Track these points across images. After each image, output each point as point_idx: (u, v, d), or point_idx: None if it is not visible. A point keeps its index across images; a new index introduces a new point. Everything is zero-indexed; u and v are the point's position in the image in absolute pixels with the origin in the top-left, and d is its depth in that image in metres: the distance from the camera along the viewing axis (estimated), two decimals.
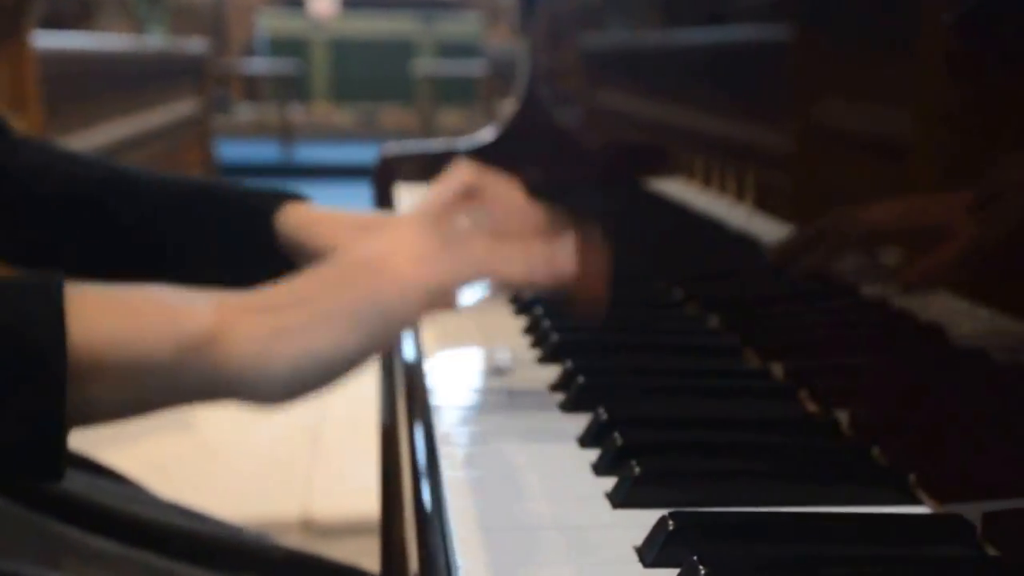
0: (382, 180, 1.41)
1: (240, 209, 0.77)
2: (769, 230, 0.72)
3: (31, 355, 0.45)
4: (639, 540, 0.40)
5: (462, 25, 8.84)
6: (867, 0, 0.60)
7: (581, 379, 0.57)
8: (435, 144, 1.52)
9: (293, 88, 7.92)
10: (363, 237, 0.68)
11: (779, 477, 0.46)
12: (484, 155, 1.46)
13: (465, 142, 1.52)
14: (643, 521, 0.41)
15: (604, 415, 0.51)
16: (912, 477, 0.46)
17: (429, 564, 0.42)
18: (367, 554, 2.22)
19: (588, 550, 0.40)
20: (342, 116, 8.63)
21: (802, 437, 0.52)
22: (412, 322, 0.53)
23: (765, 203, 0.72)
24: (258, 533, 0.84)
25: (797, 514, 0.42)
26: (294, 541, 2.10)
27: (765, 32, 0.74)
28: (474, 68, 7.73)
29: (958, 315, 0.50)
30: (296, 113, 8.01)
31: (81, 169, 0.81)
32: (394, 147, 1.47)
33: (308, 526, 2.14)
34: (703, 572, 0.36)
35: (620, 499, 0.43)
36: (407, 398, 0.63)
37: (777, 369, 0.62)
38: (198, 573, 0.72)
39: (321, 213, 0.76)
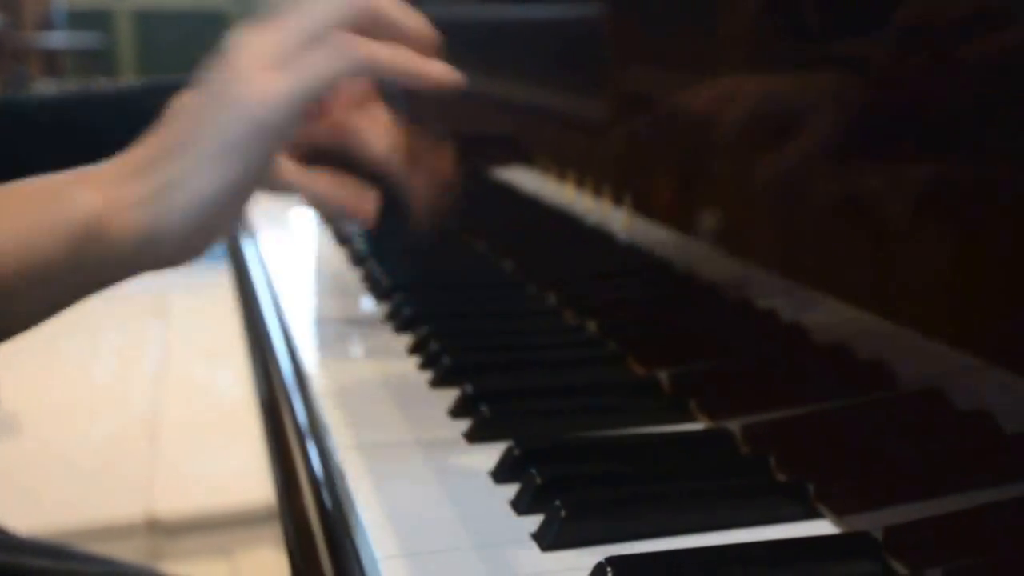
0: None
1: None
2: (618, 219, 0.75)
3: None
4: None
5: None
6: None
7: (486, 408, 0.57)
8: None
9: (97, 63, 7.56)
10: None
11: (690, 502, 0.48)
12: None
13: None
14: (576, 563, 0.42)
15: (516, 450, 0.51)
16: (811, 489, 0.49)
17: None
18: (218, 550, 2.16)
19: None
20: None
21: (702, 454, 0.54)
22: (285, 127, 0.49)
23: (605, 188, 0.75)
24: (140, 566, 0.82)
25: (719, 548, 0.44)
26: (141, 544, 2.04)
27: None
28: None
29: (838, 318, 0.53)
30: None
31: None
32: None
33: (153, 527, 2.08)
34: None
35: (549, 542, 0.44)
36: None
37: (663, 377, 0.64)
38: None
39: None
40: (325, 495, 0.53)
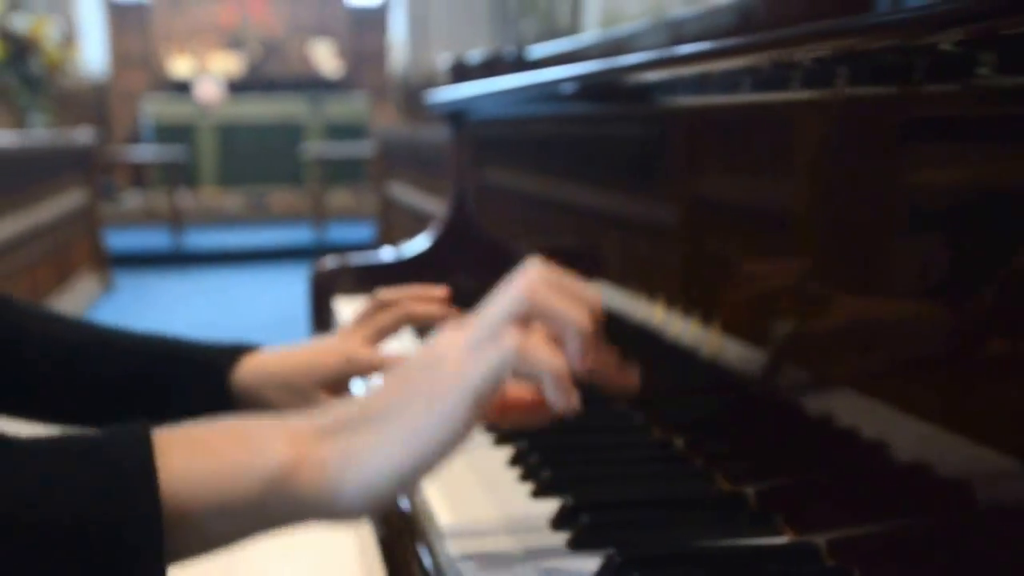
0: (320, 295, 1.43)
1: (198, 370, 0.84)
2: (699, 338, 0.79)
3: (128, 520, 0.49)
4: None
5: (349, 106, 8.91)
6: None
7: (586, 519, 0.62)
8: (371, 256, 1.55)
9: (181, 174, 7.84)
10: (312, 366, 0.81)
11: None
12: (418, 264, 1.53)
13: (399, 253, 1.55)
14: None
15: (617, 558, 0.56)
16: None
17: None
18: None
19: None
20: (231, 200, 8.58)
21: (789, 566, 0.59)
22: (467, 428, 0.54)
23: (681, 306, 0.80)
24: None
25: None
26: None
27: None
28: (362, 149, 7.79)
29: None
30: (185, 199, 7.93)
31: (55, 330, 0.87)
32: (329, 262, 1.49)
33: None
34: None
35: None
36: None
37: (750, 492, 0.68)
38: None
39: (270, 356, 0.84)
40: None
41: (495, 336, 0.55)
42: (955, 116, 0.54)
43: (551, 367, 0.54)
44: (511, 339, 0.55)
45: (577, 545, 0.61)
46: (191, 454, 0.52)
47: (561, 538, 0.63)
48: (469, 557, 0.60)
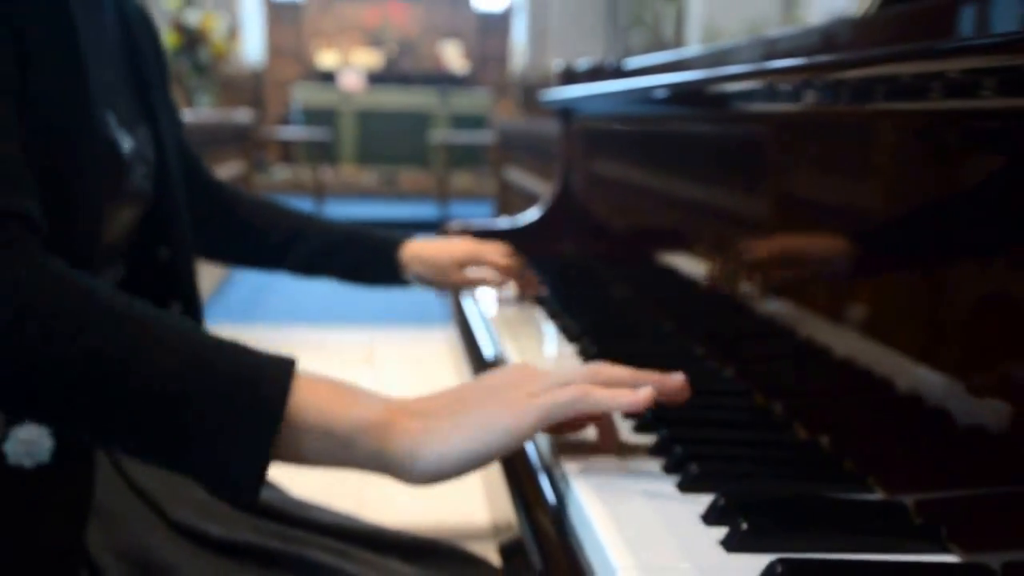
0: None
1: (377, 246, 1.14)
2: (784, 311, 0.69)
3: (261, 401, 0.57)
4: None
5: (473, 100, 8.87)
6: None
7: (744, 521, 0.53)
8: (491, 223, 1.58)
9: (324, 152, 7.91)
10: (455, 269, 1.12)
11: None
12: (528, 233, 1.59)
13: (513, 222, 1.59)
14: None
15: (780, 567, 0.47)
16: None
17: None
18: None
19: None
20: (366, 177, 8.63)
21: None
22: (525, 439, 0.60)
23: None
24: (373, 524, 0.95)
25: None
26: None
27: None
28: (483, 137, 7.74)
29: None
30: (326, 174, 7.99)
31: (274, 214, 1.17)
32: (455, 225, 1.53)
33: None
34: None
35: None
36: None
37: (910, 502, 0.58)
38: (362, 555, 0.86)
39: (422, 243, 1.14)
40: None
41: (559, 384, 0.62)
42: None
43: (625, 406, 0.62)
44: (579, 393, 0.61)
45: (733, 547, 0.52)
46: (318, 390, 0.59)
47: (715, 536, 0.54)
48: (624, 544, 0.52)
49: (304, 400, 0.58)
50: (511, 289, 1.18)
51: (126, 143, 0.83)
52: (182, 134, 1.07)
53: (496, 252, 1.14)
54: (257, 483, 0.56)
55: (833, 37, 0.71)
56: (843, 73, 0.67)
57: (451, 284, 1.11)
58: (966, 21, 0.53)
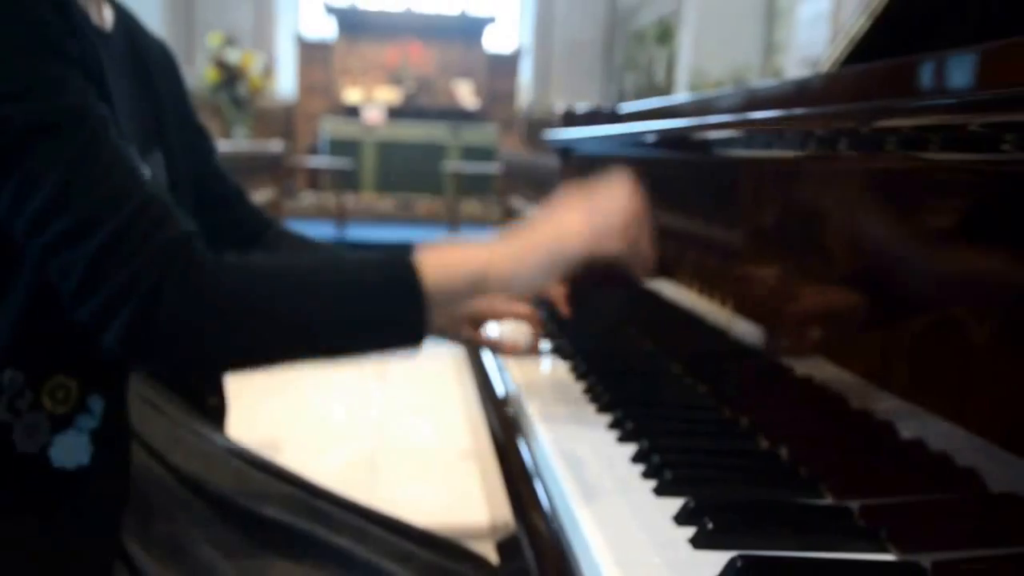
0: None
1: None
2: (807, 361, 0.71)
3: (408, 290, 0.72)
4: None
5: (482, 134, 8.90)
6: None
7: (709, 521, 0.55)
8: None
9: (347, 180, 7.94)
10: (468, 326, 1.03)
11: None
12: None
13: None
14: None
15: (740, 562, 0.49)
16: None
17: None
18: None
19: None
20: (385, 203, 8.65)
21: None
22: (581, 257, 0.78)
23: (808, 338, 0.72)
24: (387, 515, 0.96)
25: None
26: None
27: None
28: (491, 168, 7.77)
29: None
30: (349, 200, 8.02)
31: (299, 247, 1.09)
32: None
33: None
34: None
35: None
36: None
37: (855, 506, 0.60)
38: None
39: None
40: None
41: (601, 219, 0.80)
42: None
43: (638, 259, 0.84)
44: (611, 223, 0.80)
45: (700, 544, 0.55)
46: (440, 256, 0.75)
47: (684, 533, 0.56)
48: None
49: (430, 277, 0.73)
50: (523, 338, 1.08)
51: (146, 171, 0.83)
52: (215, 161, 1.05)
53: (508, 307, 1.03)
54: (423, 333, 0.73)
55: (804, 90, 0.74)
56: (806, 126, 0.69)
57: (464, 340, 1.02)
58: (923, 77, 0.54)
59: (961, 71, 0.50)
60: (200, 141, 1.02)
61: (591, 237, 0.78)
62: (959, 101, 0.50)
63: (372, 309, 0.71)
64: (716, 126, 0.87)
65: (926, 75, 0.54)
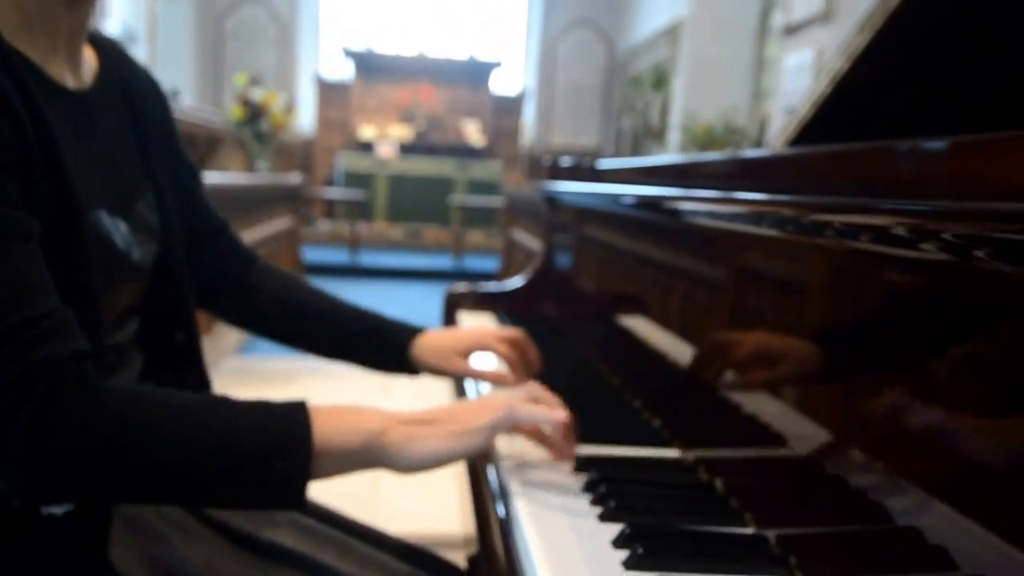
0: (449, 308, 1.57)
1: (392, 339, 1.01)
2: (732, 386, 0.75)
3: (294, 446, 0.66)
4: None
5: (488, 169, 8.97)
6: None
7: (640, 546, 0.59)
8: (484, 286, 1.64)
9: (360, 210, 8.01)
10: (458, 358, 1.00)
11: None
12: (515, 296, 1.63)
13: (502, 286, 1.64)
14: None
15: None
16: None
17: None
18: None
19: None
20: (395, 232, 8.72)
21: None
22: (479, 447, 0.72)
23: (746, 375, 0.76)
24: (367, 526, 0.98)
25: None
26: None
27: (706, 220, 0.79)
28: (495, 201, 7.82)
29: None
30: (362, 229, 8.09)
31: (302, 296, 1.03)
32: (458, 287, 1.60)
33: None
34: None
35: None
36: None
37: (771, 535, 0.64)
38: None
39: (431, 335, 1.01)
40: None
41: (510, 403, 0.74)
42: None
43: (544, 419, 0.76)
44: (512, 408, 0.74)
45: (631, 566, 0.59)
46: (330, 418, 0.68)
47: (620, 556, 0.60)
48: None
49: (322, 430, 0.67)
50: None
51: (120, 231, 0.79)
52: (202, 194, 0.99)
53: (498, 340, 1.02)
54: (303, 496, 0.66)
55: (747, 170, 0.76)
56: (751, 207, 0.73)
57: (454, 373, 1.00)
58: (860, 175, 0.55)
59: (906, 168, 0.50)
60: (187, 176, 0.97)
61: (495, 416, 0.72)
62: (891, 207, 0.51)
63: (256, 462, 0.64)
64: (668, 198, 0.92)
65: (864, 173, 0.54)
